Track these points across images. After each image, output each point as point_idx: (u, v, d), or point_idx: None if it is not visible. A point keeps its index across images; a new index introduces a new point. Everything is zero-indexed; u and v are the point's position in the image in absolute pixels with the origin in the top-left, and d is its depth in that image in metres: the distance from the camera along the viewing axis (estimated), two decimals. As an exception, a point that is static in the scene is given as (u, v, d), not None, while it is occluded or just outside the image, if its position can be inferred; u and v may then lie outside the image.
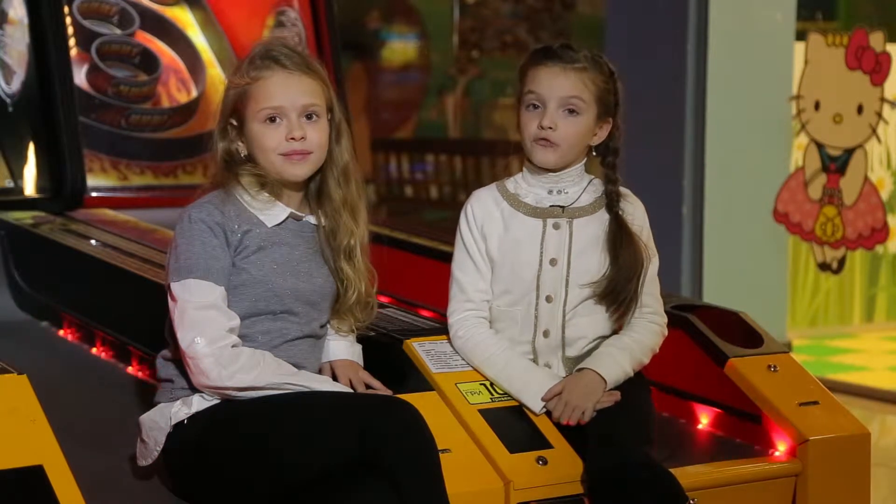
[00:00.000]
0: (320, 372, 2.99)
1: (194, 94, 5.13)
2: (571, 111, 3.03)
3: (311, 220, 2.96)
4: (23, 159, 4.75)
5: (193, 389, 2.80)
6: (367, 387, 2.99)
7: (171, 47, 5.14)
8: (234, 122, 2.90)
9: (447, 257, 3.19)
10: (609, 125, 3.09)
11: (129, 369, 3.72)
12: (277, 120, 2.86)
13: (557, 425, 2.97)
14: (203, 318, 2.76)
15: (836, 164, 5.40)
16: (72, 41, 4.88)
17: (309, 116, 2.88)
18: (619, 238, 3.05)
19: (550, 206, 3.09)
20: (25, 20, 4.77)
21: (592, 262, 3.06)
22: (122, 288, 3.84)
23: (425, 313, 3.67)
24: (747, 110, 5.99)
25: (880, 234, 5.32)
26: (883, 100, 5.25)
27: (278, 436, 2.67)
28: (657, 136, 5.96)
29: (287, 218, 2.91)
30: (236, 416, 2.75)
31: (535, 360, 3.09)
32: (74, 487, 2.47)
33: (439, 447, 2.68)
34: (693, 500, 2.82)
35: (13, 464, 2.46)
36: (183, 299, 2.78)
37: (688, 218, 6.00)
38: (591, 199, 3.10)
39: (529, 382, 3.02)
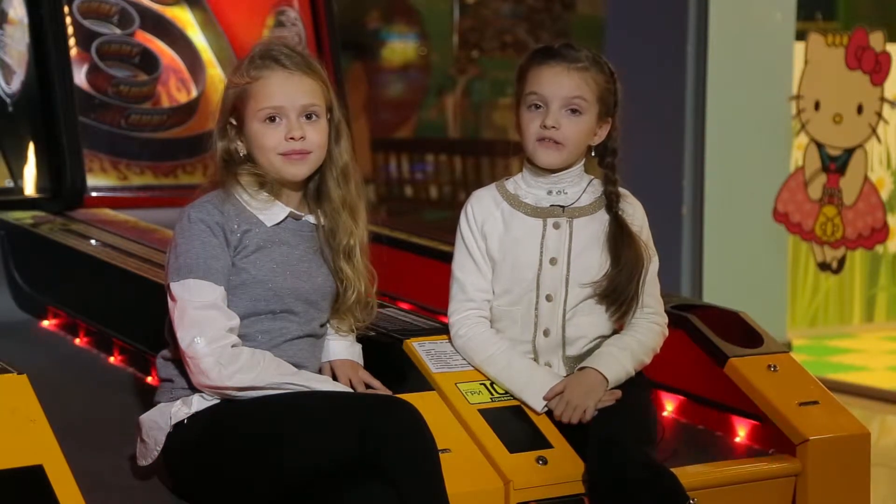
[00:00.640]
0: (320, 372, 2.99)
1: (194, 93, 5.13)
2: (574, 111, 3.03)
3: (311, 219, 2.96)
4: (23, 159, 4.75)
5: (193, 389, 2.80)
6: (367, 386, 2.99)
7: (171, 47, 5.14)
8: (234, 122, 2.90)
9: (447, 257, 3.19)
10: (608, 125, 3.09)
11: (130, 369, 3.72)
12: (277, 119, 2.86)
13: (558, 425, 2.97)
14: (203, 318, 2.76)
15: (836, 163, 5.40)
16: (72, 41, 4.87)
17: (308, 116, 2.88)
18: (620, 238, 3.06)
19: (550, 206, 3.09)
20: (25, 20, 4.77)
21: (592, 261, 3.06)
22: (123, 288, 3.84)
23: (424, 313, 3.67)
24: (747, 110, 5.99)
25: (880, 233, 5.32)
26: (883, 99, 5.25)
27: (278, 436, 2.67)
28: (657, 136, 5.96)
29: (286, 217, 2.91)
30: (236, 415, 2.75)
31: (535, 360, 3.09)
32: (74, 487, 2.47)
33: (439, 447, 2.68)
34: (693, 500, 2.82)
35: (13, 464, 2.46)
36: (183, 299, 2.78)
37: (688, 218, 6.00)
38: (591, 199, 3.11)
39: (531, 382, 3.02)
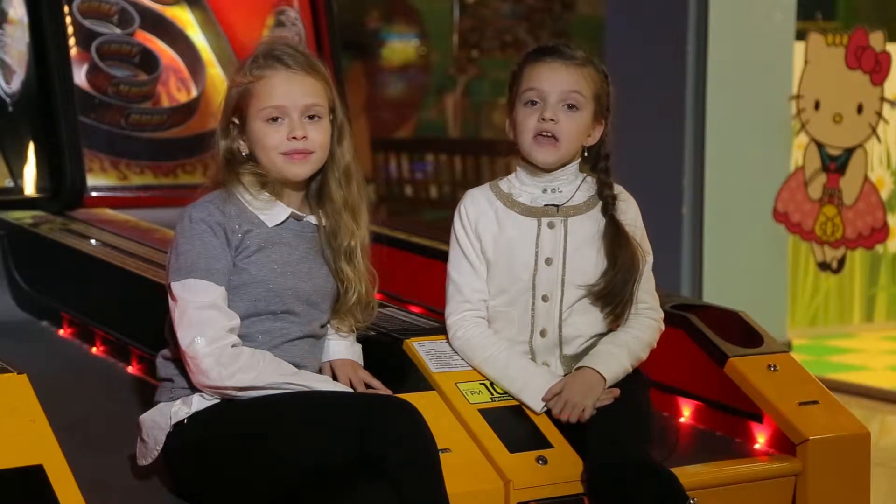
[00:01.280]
0: (320, 372, 2.99)
1: (194, 93, 5.13)
2: (571, 106, 3.03)
3: (312, 220, 2.96)
4: (23, 159, 4.74)
5: (193, 389, 2.80)
6: (367, 386, 2.99)
7: (171, 47, 5.14)
8: (237, 121, 2.90)
9: (446, 257, 3.19)
10: (602, 127, 3.10)
11: (129, 369, 3.72)
12: (279, 119, 2.86)
13: (558, 425, 2.97)
14: (203, 318, 2.76)
15: (835, 163, 5.40)
16: (72, 41, 4.87)
17: (311, 116, 2.88)
18: (617, 240, 3.06)
19: (545, 205, 3.09)
20: (25, 20, 4.77)
21: (588, 260, 3.06)
22: (123, 287, 3.84)
23: (424, 312, 3.67)
24: (747, 110, 5.99)
25: (880, 233, 5.32)
26: (883, 99, 5.25)
27: (278, 436, 2.67)
28: (657, 136, 5.96)
29: (288, 218, 2.91)
30: (236, 415, 2.75)
31: (533, 360, 3.09)
32: (74, 487, 2.47)
33: (439, 447, 2.68)
34: (693, 499, 2.82)
35: (13, 464, 2.46)
36: (183, 299, 2.78)
37: (688, 218, 6.00)
38: (585, 197, 3.11)
39: (530, 382, 3.02)
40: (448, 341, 3.13)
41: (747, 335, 3.40)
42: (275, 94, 2.85)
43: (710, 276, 5.98)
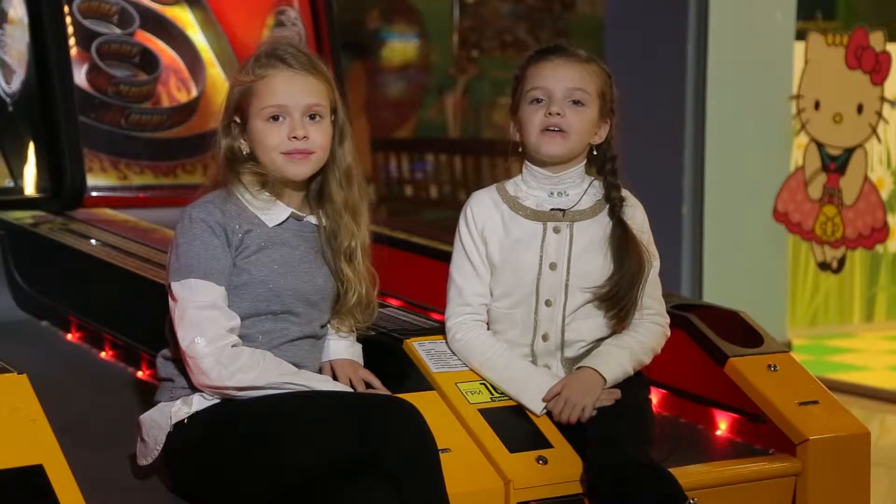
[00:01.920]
0: (320, 372, 2.99)
1: (194, 93, 5.13)
2: (577, 102, 3.02)
3: (312, 220, 2.96)
4: (23, 159, 4.75)
5: (194, 389, 2.80)
6: (368, 386, 2.99)
7: (171, 47, 5.14)
8: (238, 120, 2.90)
9: (447, 256, 3.19)
10: (607, 126, 3.09)
11: (130, 369, 3.72)
12: (280, 118, 2.86)
13: (558, 425, 2.97)
14: (203, 318, 2.76)
15: (836, 163, 5.40)
16: (72, 41, 4.88)
17: (312, 116, 2.88)
18: (624, 243, 3.04)
19: (551, 209, 3.08)
20: (25, 20, 4.77)
21: (593, 265, 3.05)
22: (123, 287, 3.84)
23: (423, 312, 3.67)
24: (747, 110, 5.99)
25: (880, 233, 5.32)
26: (883, 99, 5.25)
27: (278, 435, 2.67)
28: (657, 136, 5.96)
29: (288, 218, 2.91)
30: (236, 415, 2.75)
31: (533, 362, 3.08)
32: (74, 487, 2.47)
33: (439, 447, 2.68)
34: (693, 500, 2.82)
35: (13, 464, 2.46)
36: (183, 299, 2.78)
37: (688, 218, 6.00)
38: (592, 201, 3.10)
39: (529, 384, 3.01)
40: (447, 343, 3.13)
41: (747, 335, 3.40)
42: (276, 93, 2.85)
43: (710, 276, 5.98)
